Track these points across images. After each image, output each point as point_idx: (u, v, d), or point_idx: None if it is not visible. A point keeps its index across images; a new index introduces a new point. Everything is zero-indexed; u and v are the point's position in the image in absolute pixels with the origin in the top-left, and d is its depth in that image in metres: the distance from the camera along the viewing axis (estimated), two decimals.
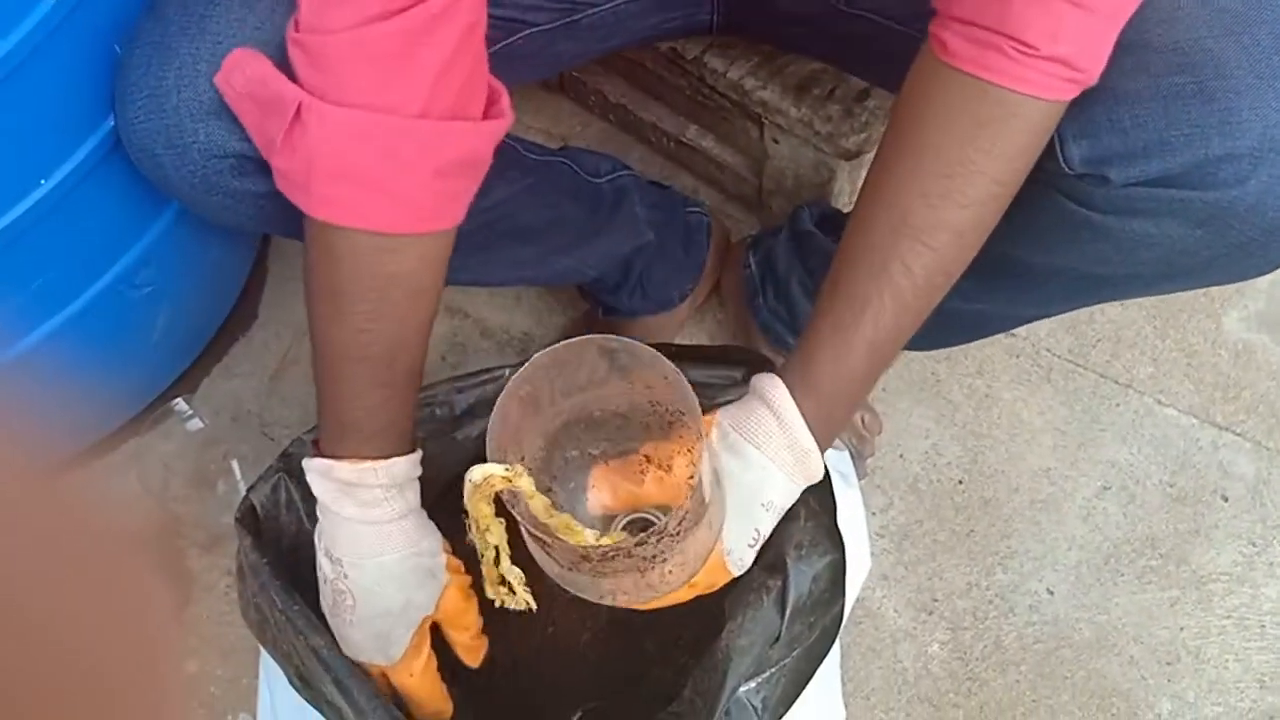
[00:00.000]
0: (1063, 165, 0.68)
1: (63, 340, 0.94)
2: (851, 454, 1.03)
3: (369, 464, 0.72)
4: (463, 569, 0.78)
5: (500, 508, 0.66)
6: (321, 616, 0.79)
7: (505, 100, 0.73)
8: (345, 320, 0.71)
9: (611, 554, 0.63)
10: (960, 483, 1.16)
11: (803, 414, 0.68)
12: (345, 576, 0.74)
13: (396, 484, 0.73)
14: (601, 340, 0.64)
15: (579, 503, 0.72)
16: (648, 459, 0.71)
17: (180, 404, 1.03)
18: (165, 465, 1.05)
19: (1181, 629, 1.09)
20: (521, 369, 0.64)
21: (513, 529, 0.68)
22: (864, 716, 1.04)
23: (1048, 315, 0.94)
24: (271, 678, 0.88)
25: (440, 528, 0.91)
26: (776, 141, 1.14)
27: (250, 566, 0.81)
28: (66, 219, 0.85)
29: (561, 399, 0.69)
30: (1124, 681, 1.06)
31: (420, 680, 0.78)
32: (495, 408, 0.64)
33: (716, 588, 0.73)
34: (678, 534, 0.63)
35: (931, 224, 0.66)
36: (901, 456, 1.17)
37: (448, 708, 0.80)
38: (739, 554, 0.71)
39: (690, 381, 0.88)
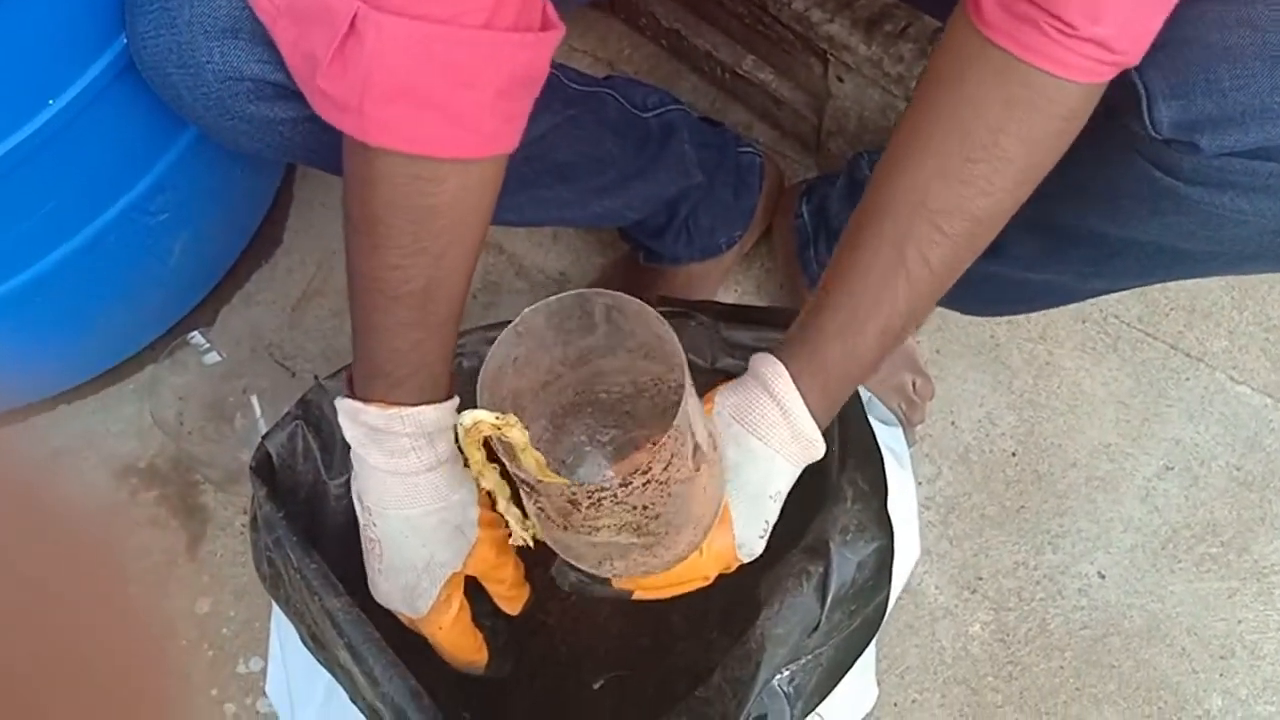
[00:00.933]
0: (1149, 128, 0.62)
1: (75, 267, 0.91)
2: (903, 428, 0.98)
3: (396, 410, 0.68)
4: (499, 522, 0.74)
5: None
6: (339, 575, 0.76)
7: (551, 9, 0.67)
8: (380, 254, 0.66)
9: (598, 497, 0.61)
10: (1014, 455, 1.10)
11: (806, 401, 0.66)
12: (374, 525, 0.72)
13: (426, 434, 0.69)
14: (590, 293, 0.63)
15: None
16: (653, 444, 0.67)
17: (197, 337, 0.99)
18: (180, 398, 1.01)
19: (1239, 622, 1.03)
20: (511, 324, 0.63)
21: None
22: (897, 696, 1.01)
23: (1119, 290, 0.88)
24: (282, 630, 0.86)
25: None
26: (841, 80, 1.07)
27: (265, 519, 0.78)
28: (76, 142, 0.81)
29: (563, 369, 0.68)
30: (1174, 674, 1.02)
31: (449, 633, 0.75)
32: (486, 360, 0.62)
33: (730, 571, 0.71)
34: (665, 481, 0.61)
35: (951, 208, 0.63)
36: (953, 424, 1.11)
37: (481, 658, 0.78)
38: (750, 545, 0.70)
39: (733, 343, 0.84)
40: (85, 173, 0.86)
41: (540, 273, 1.19)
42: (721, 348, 0.84)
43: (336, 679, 0.77)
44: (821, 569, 0.72)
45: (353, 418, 0.70)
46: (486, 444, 0.65)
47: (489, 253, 1.19)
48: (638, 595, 0.71)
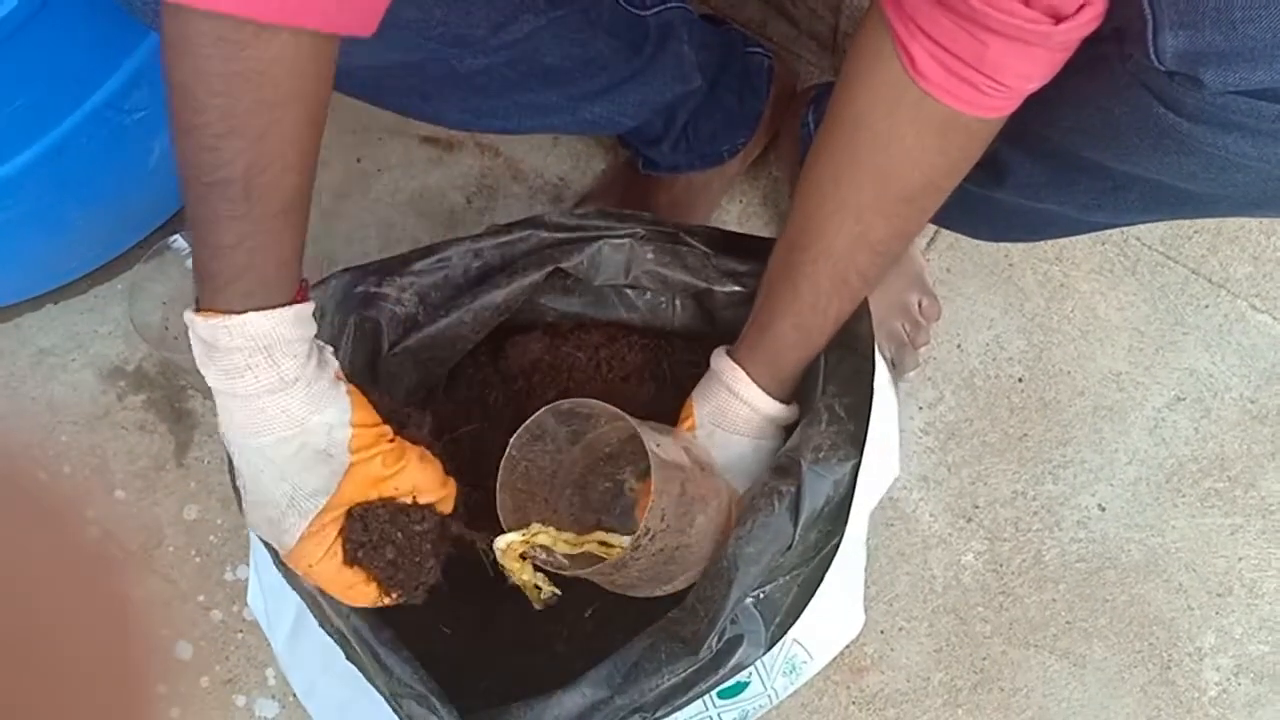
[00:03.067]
0: (1153, 58, 0.58)
1: (49, 166, 0.90)
2: (890, 364, 0.97)
3: (220, 320, 0.61)
4: (381, 436, 0.68)
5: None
6: None
7: None
8: (195, 135, 0.59)
9: (621, 562, 0.69)
10: (1020, 380, 1.08)
11: (770, 393, 0.76)
12: (232, 454, 0.67)
13: (261, 347, 0.62)
14: (549, 409, 0.72)
15: (631, 521, 0.78)
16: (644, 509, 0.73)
17: (179, 240, 0.98)
18: (164, 303, 1.00)
19: (1240, 559, 1.03)
20: (504, 459, 0.72)
21: None
22: (884, 623, 1.01)
23: (1123, 225, 0.86)
24: (257, 548, 0.86)
25: (450, 411, 0.86)
26: None
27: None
28: (41, 35, 0.80)
29: (563, 454, 0.77)
30: (1168, 610, 1.01)
31: (322, 569, 0.69)
32: (498, 492, 0.73)
33: None
34: (667, 529, 0.70)
35: (891, 236, 0.70)
36: (959, 347, 1.09)
37: (365, 596, 0.70)
38: None
39: (729, 272, 0.81)
40: (53, 68, 0.84)
41: (538, 177, 1.16)
42: (715, 275, 0.82)
43: (304, 602, 0.77)
44: (793, 489, 0.72)
45: (191, 330, 0.63)
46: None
47: (484, 154, 1.16)
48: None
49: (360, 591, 0.70)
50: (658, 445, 0.70)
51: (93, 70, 0.87)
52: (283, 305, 0.63)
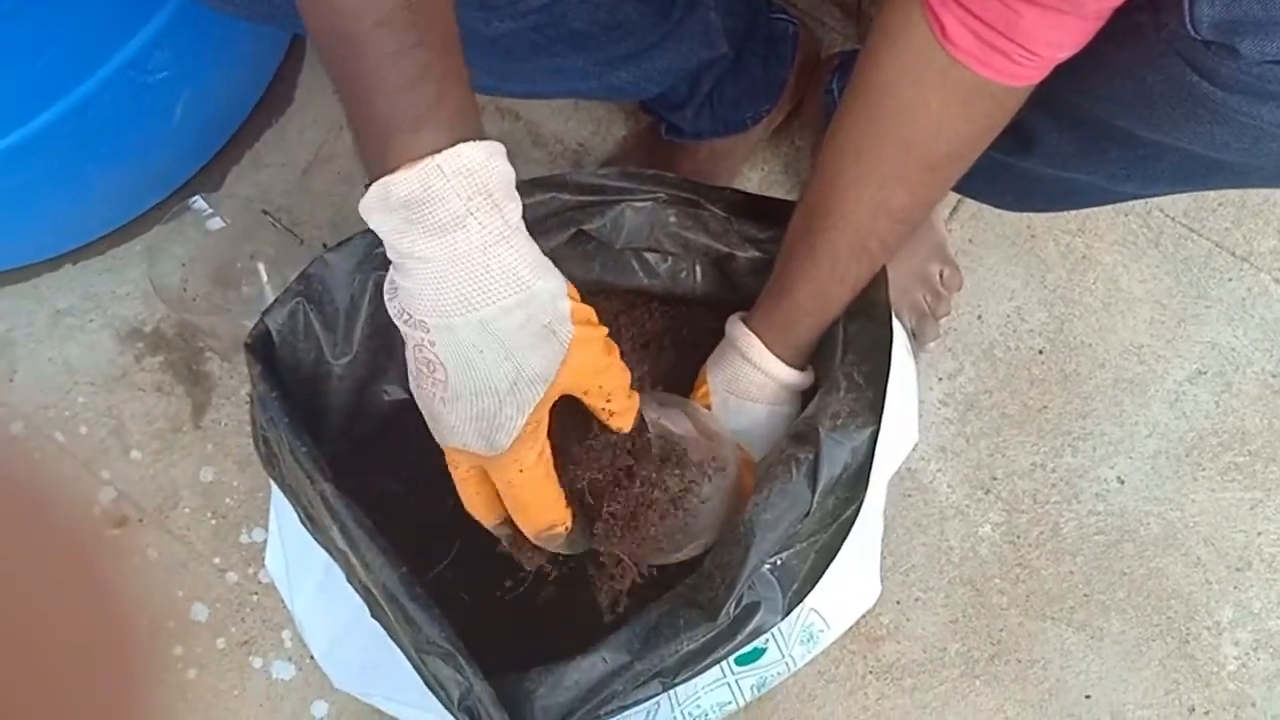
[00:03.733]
0: (1188, 26, 0.58)
1: (70, 126, 0.90)
2: (911, 334, 0.96)
3: (430, 160, 0.53)
4: (593, 318, 0.61)
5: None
6: (342, 457, 0.75)
7: None
8: None
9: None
10: (1041, 352, 1.07)
11: (785, 360, 0.75)
12: (430, 344, 0.57)
13: (481, 188, 0.54)
14: None
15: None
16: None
17: (199, 201, 0.97)
18: (183, 265, 1.00)
19: (1259, 534, 1.02)
20: None
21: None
22: (900, 594, 1.01)
23: (1151, 195, 0.85)
24: (280, 508, 0.86)
25: None
26: None
27: (259, 397, 0.77)
28: None
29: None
30: (1186, 584, 1.01)
31: (531, 476, 0.61)
32: None
33: None
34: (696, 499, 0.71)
35: (911, 204, 0.69)
36: (980, 318, 1.08)
37: (563, 515, 0.65)
38: None
39: (750, 237, 0.81)
40: (76, 28, 0.84)
41: (558, 143, 1.15)
42: (736, 240, 0.82)
43: (333, 558, 0.77)
44: (811, 456, 0.72)
45: (383, 203, 0.55)
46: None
47: (504, 118, 1.16)
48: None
49: (559, 510, 0.64)
50: (657, 417, 0.70)
51: (116, 30, 0.87)
52: (490, 140, 0.55)
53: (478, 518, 0.67)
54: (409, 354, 0.59)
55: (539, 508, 0.63)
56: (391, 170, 0.54)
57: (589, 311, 0.60)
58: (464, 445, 0.60)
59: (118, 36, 0.87)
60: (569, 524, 0.65)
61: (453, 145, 0.53)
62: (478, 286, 0.55)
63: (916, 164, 0.67)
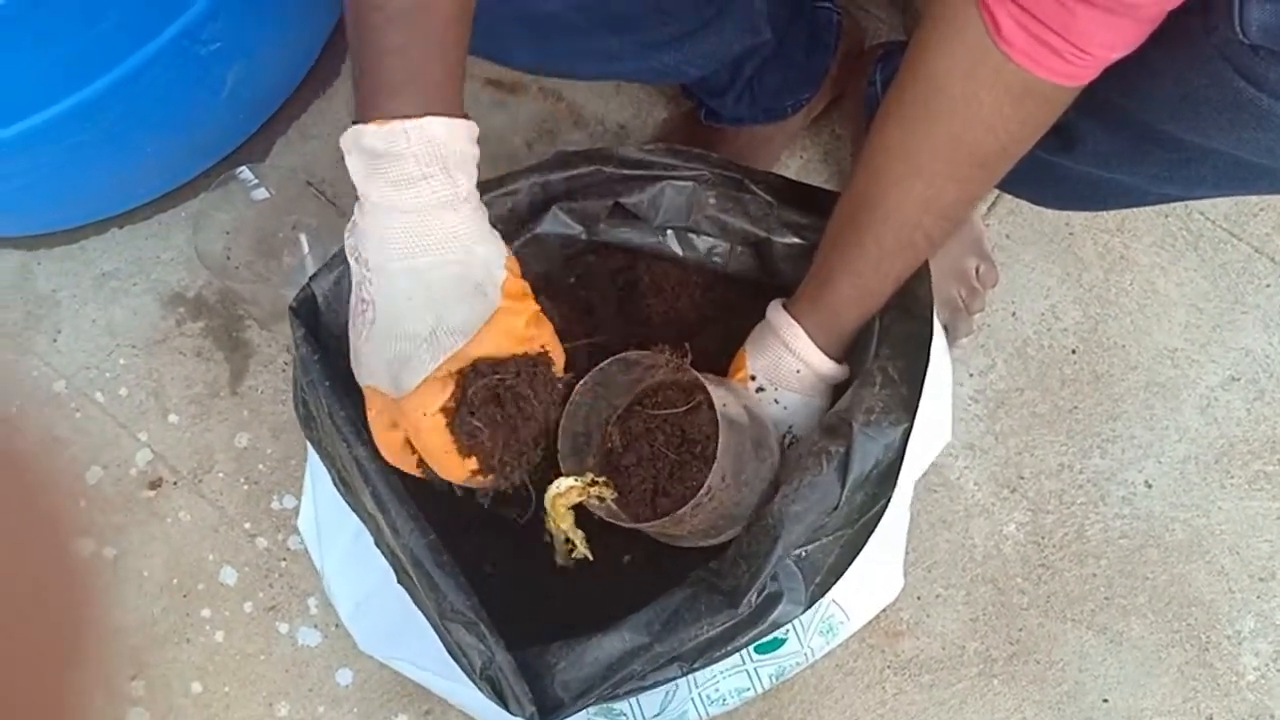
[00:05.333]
0: (1237, 31, 0.58)
1: (122, 95, 0.92)
2: (944, 329, 0.96)
3: (399, 123, 0.60)
4: (527, 294, 0.66)
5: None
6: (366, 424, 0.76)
7: None
8: None
9: (676, 518, 0.70)
10: (1074, 352, 1.07)
11: (825, 351, 0.75)
12: (369, 282, 0.64)
13: (438, 156, 0.61)
14: (621, 359, 0.72)
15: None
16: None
17: (245, 172, 0.98)
18: (227, 233, 1.01)
19: None
20: (567, 405, 0.71)
21: None
22: (921, 589, 1.01)
23: (1193, 199, 0.84)
24: (316, 470, 0.87)
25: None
26: None
27: (302, 360, 0.78)
28: None
29: (618, 399, 0.76)
30: (1209, 592, 1.00)
31: (433, 423, 0.64)
32: (559, 436, 0.71)
33: None
34: (726, 487, 0.71)
35: (959, 200, 0.70)
36: (1014, 315, 1.08)
37: (460, 467, 0.66)
38: None
39: (790, 224, 0.81)
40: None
41: (599, 124, 1.16)
42: (776, 225, 0.82)
43: (364, 522, 0.78)
44: (843, 450, 0.72)
45: (354, 144, 0.62)
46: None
47: (546, 98, 1.16)
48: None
49: (455, 462, 0.66)
50: (724, 404, 0.70)
51: (171, 1, 0.88)
52: (459, 118, 0.62)
53: (388, 459, 0.70)
54: (353, 291, 0.66)
55: (441, 457, 0.66)
56: (367, 122, 0.61)
57: (523, 285, 0.66)
58: (375, 384, 0.65)
59: (173, 7, 0.89)
60: (479, 480, 0.67)
61: (422, 116, 0.60)
62: (418, 239, 0.62)
63: (966, 160, 0.67)
